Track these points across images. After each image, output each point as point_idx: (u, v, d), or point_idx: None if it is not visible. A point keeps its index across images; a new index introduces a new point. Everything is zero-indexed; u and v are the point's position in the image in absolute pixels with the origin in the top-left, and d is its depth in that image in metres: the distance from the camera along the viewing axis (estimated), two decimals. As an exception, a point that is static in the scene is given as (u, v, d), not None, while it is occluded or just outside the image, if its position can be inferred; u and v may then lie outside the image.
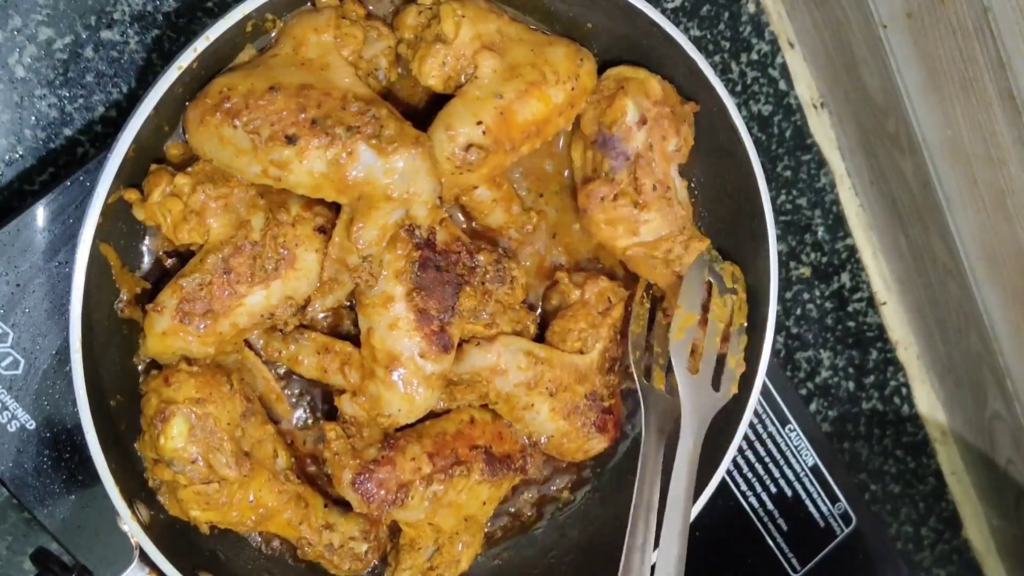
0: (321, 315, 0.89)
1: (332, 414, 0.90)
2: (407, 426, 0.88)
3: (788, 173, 1.21)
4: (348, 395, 0.86)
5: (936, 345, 1.29)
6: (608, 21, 0.91)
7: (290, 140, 0.78)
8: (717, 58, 1.15)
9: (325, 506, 0.89)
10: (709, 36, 1.14)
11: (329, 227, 0.84)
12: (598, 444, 0.95)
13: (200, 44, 0.78)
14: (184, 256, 0.85)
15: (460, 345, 0.88)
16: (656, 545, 0.88)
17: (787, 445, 1.16)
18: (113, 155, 0.77)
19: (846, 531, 1.19)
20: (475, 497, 0.90)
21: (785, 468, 1.16)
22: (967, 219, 1.09)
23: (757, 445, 1.15)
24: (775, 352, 1.19)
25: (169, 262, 0.87)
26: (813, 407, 1.27)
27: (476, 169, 0.85)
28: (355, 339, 0.87)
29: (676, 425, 0.93)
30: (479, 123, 0.84)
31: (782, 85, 1.19)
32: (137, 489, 0.82)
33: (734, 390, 0.95)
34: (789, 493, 1.17)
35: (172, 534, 0.84)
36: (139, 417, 0.82)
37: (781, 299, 1.18)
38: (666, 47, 0.90)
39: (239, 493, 0.82)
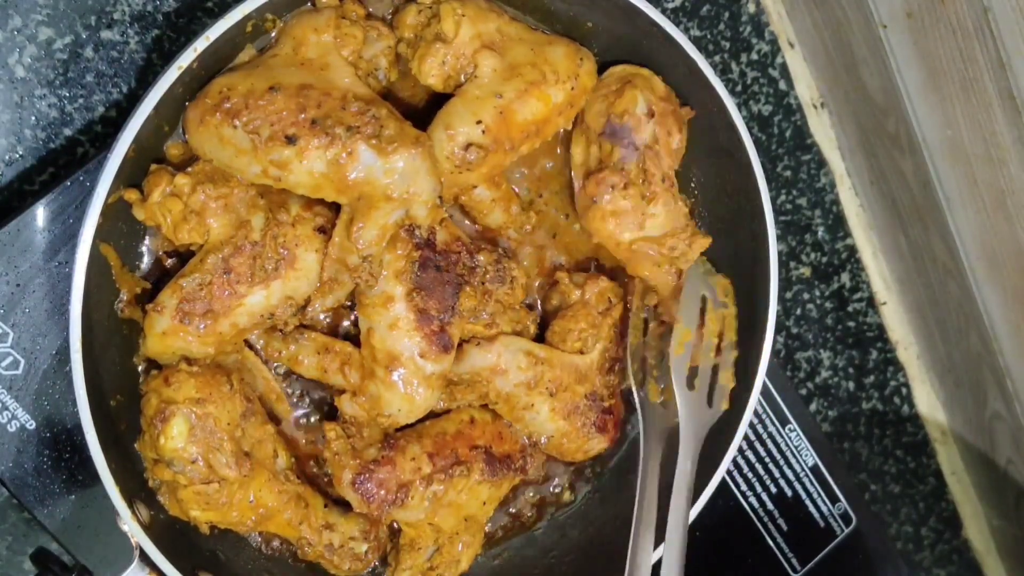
0: (321, 315, 0.89)
1: (332, 414, 0.90)
2: (407, 426, 0.88)
3: (788, 173, 1.21)
4: (348, 395, 0.86)
5: (936, 345, 1.29)
6: (608, 21, 0.91)
7: (290, 140, 0.78)
8: (717, 58, 1.15)
9: (325, 506, 0.89)
10: (709, 36, 1.14)
11: (329, 227, 0.84)
12: (598, 444, 0.95)
13: (200, 44, 0.78)
14: (184, 256, 0.85)
15: (460, 345, 0.88)
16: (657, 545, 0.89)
17: (787, 445, 1.16)
18: (113, 155, 0.77)
19: (846, 531, 1.19)
20: (475, 497, 0.90)
21: (785, 468, 1.16)
22: (967, 219, 1.09)
23: (757, 445, 1.15)
24: (775, 352, 1.19)
25: (169, 262, 0.87)
26: (813, 407, 1.27)
27: (475, 168, 0.85)
28: (355, 339, 0.87)
29: (673, 435, 0.93)
30: (479, 122, 0.84)
31: (782, 85, 1.19)
32: (137, 489, 0.82)
33: (725, 406, 0.95)
34: (789, 493, 1.17)
35: (172, 534, 0.84)
36: (139, 417, 0.82)
37: (781, 299, 1.18)
38: (666, 47, 0.90)
39: (239, 493, 0.82)
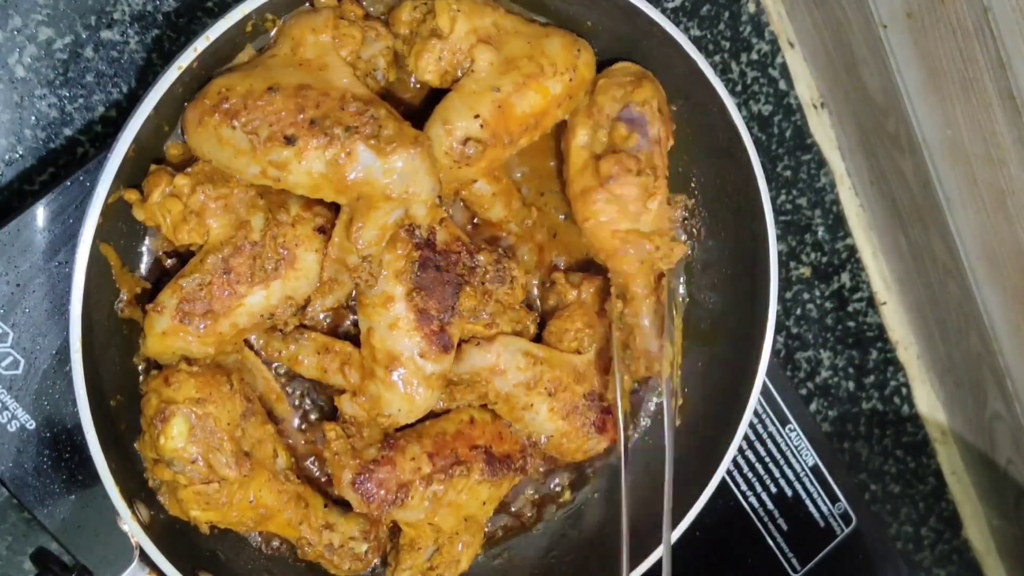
0: (321, 315, 0.89)
1: (332, 414, 0.90)
2: (407, 426, 0.88)
3: (788, 173, 1.21)
4: (348, 395, 0.86)
5: (936, 345, 1.29)
6: (608, 20, 0.91)
7: (289, 140, 0.77)
8: (717, 58, 1.15)
9: (325, 506, 0.89)
10: (709, 36, 1.14)
11: (329, 227, 0.84)
12: (598, 444, 0.95)
13: (200, 44, 0.78)
14: (184, 256, 0.85)
15: (459, 345, 0.88)
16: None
17: (787, 445, 1.16)
18: (113, 155, 0.77)
19: (846, 531, 1.19)
20: (475, 497, 0.90)
21: (785, 468, 1.16)
22: (967, 219, 1.09)
23: (757, 445, 1.15)
24: (775, 352, 1.19)
25: (169, 262, 0.87)
26: (813, 407, 1.27)
27: (474, 163, 0.85)
28: (355, 339, 0.87)
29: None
30: (476, 117, 0.84)
31: (782, 85, 1.19)
32: (137, 489, 0.82)
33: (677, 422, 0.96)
34: (789, 493, 1.17)
35: (172, 534, 0.84)
36: (139, 417, 0.82)
37: (781, 299, 1.18)
38: (666, 47, 0.90)
39: (239, 493, 0.82)
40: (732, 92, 1.15)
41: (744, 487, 1.16)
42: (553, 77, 0.87)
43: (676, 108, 0.94)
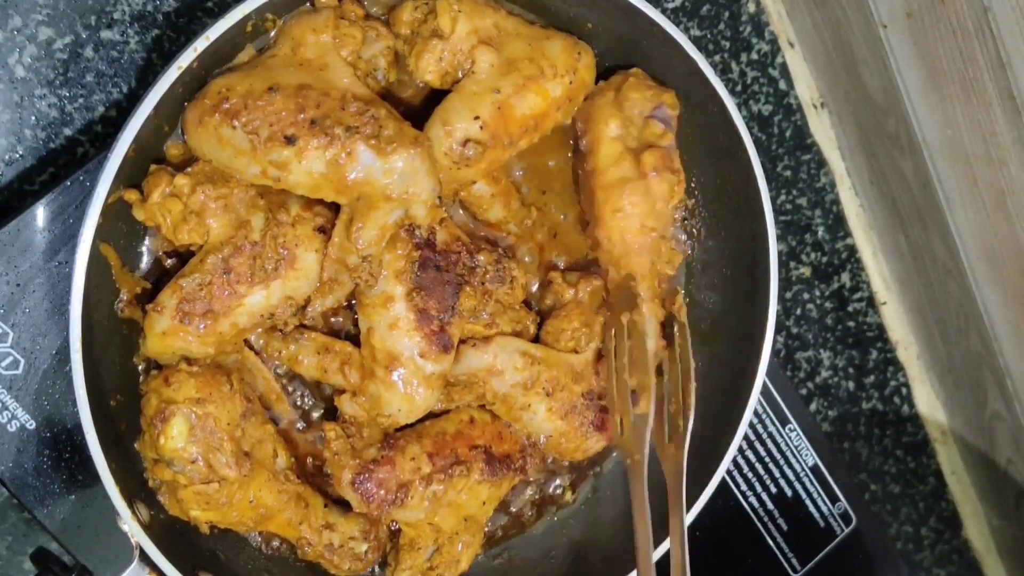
0: (331, 318, 0.90)
1: (332, 414, 0.90)
2: (407, 426, 0.88)
3: (788, 173, 1.21)
4: (348, 395, 0.86)
5: (936, 345, 1.29)
6: (608, 21, 0.91)
7: (289, 140, 0.77)
8: (717, 58, 1.15)
9: (325, 506, 0.89)
10: (709, 36, 1.14)
11: (329, 227, 0.84)
12: (596, 443, 0.95)
13: (200, 44, 0.78)
14: (184, 256, 0.85)
15: (457, 346, 0.88)
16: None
17: (787, 445, 1.16)
18: (113, 155, 0.77)
19: (846, 531, 1.19)
20: (475, 497, 0.90)
21: (785, 468, 1.16)
22: (967, 219, 1.09)
23: (757, 445, 1.15)
24: (775, 352, 1.19)
25: (169, 262, 0.87)
26: (813, 407, 1.27)
27: (474, 164, 0.85)
28: (355, 339, 0.87)
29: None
30: (476, 118, 0.84)
31: (782, 85, 1.19)
32: (137, 489, 0.82)
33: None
34: (789, 493, 1.17)
35: (172, 534, 0.84)
36: (139, 417, 0.82)
37: (781, 299, 1.18)
38: (666, 47, 0.90)
39: (239, 493, 0.82)
40: (732, 92, 1.15)
41: (744, 487, 1.16)
42: (553, 79, 0.87)
43: (675, 91, 0.94)
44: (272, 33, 0.84)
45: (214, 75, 0.82)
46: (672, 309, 0.94)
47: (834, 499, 1.18)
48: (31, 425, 0.85)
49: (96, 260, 0.79)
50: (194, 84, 0.81)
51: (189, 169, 0.81)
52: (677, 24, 0.96)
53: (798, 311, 1.25)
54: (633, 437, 0.91)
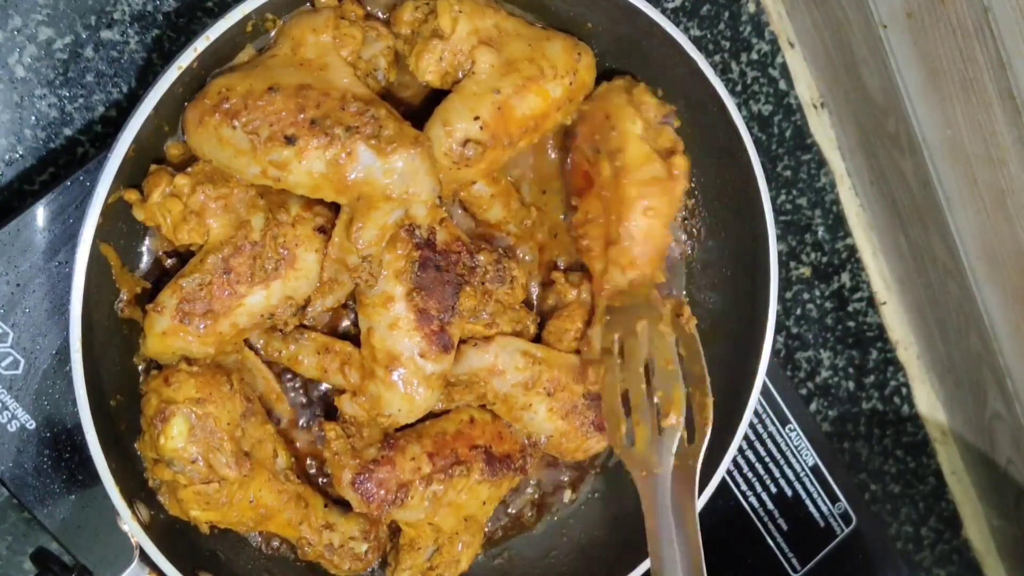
0: (322, 315, 0.90)
1: (332, 414, 0.90)
2: (407, 426, 0.88)
3: (788, 173, 1.21)
4: (348, 395, 0.86)
5: (936, 345, 1.29)
6: (608, 21, 0.91)
7: (289, 140, 0.77)
8: (717, 58, 1.15)
9: (325, 506, 0.89)
10: (709, 36, 1.14)
11: (329, 227, 0.84)
12: (597, 443, 0.95)
13: (200, 44, 0.78)
14: (184, 256, 0.85)
15: (457, 346, 0.88)
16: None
17: (787, 445, 1.16)
18: (113, 155, 0.77)
19: (846, 531, 1.19)
20: (475, 497, 0.90)
21: (785, 468, 1.16)
22: (967, 219, 1.09)
23: (757, 445, 1.15)
24: (775, 352, 1.19)
25: (169, 262, 0.87)
26: (813, 407, 1.27)
27: (474, 164, 0.85)
28: (355, 339, 0.87)
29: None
30: (476, 118, 0.84)
31: (782, 85, 1.19)
32: (137, 489, 0.82)
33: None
34: (789, 493, 1.17)
35: (172, 534, 0.84)
36: (139, 417, 0.82)
37: (781, 299, 1.18)
38: (666, 47, 0.90)
39: (239, 493, 0.82)
40: (732, 92, 1.15)
41: (744, 487, 1.16)
42: (553, 80, 0.87)
43: (676, 108, 0.94)
44: (272, 33, 0.84)
45: (214, 75, 0.82)
46: (680, 321, 0.92)
47: (834, 499, 1.18)
48: (31, 425, 0.85)
49: (96, 260, 0.79)
50: (194, 84, 0.81)
51: (189, 169, 0.81)
52: (677, 24, 0.96)
53: (798, 311, 1.25)
54: (653, 450, 0.88)
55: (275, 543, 0.91)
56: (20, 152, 0.92)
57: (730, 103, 0.91)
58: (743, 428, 0.94)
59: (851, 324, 1.27)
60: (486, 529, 0.96)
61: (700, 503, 0.94)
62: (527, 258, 0.96)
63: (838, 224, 1.25)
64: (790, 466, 1.16)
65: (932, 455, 1.35)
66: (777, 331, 1.16)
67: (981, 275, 1.13)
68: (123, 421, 0.83)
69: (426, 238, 0.83)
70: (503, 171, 0.92)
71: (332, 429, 0.86)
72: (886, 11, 1.03)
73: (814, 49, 1.18)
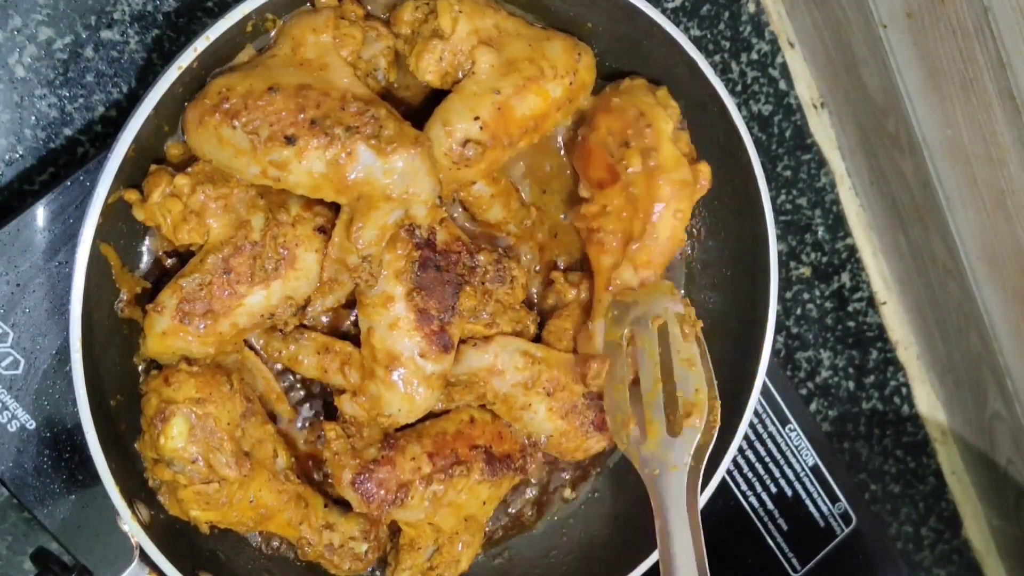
0: (322, 316, 0.90)
1: (332, 414, 0.90)
2: (407, 426, 0.88)
3: (788, 173, 1.21)
4: (348, 395, 0.86)
5: (936, 345, 1.29)
6: (608, 21, 0.91)
7: (289, 140, 0.77)
8: (717, 58, 1.15)
9: (325, 506, 0.89)
10: (709, 36, 1.14)
11: (329, 227, 0.84)
12: (597, 443, 0.95)
13: (200, 44, 0.78)
14: (184, 256, 0.85)
15: (458, 346, 0.88)
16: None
17: (787, 445, 1.16)
18: (113, 155, 0.77)
19: (846, 531, 1.19)
20: (475, 497, 0.90)
21: (785, 468, 1.16)
22: (967, 219, 1.09)
23: (757, 445, 1.15)
24: (775, 352, 1.19)
25: (169, 262, 0.87)
26: (813, 407, 1.27)
27: (474, 164, 0.85)
28: (355, 339, 0.87)
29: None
30: (476, 119, 0.84)
31: (782, 85, 1.19)
32: (137, 489, 0.82)
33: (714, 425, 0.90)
34: (789, 493, 1.17)
35: (172, 534, 0.84)
36: (139, 417, 0.82)
37: (781, 299, 1.18)
38: (666, 47, 0.90)
39: (239, 493, 0.82)
40: (732, 92, 1.15)
41: (744, 487, 1.16)
42: (553, 80, 0.87)
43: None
44: (272, 33, 0.84)
45: (214, 75, 0.82)
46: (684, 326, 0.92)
47: (834, 499, 1.18)
48: (31, 425, 0.85)
49: (96, 260, 0.79)
50: (194, 84, 0.81)
51: (189, 169, 0.81)
52: (677, 24, 0.96)
53: (798, 311, 1.25)
54: (667, 448, 0.87)
55: (275, 543, 0.91)
56: (20, 152, 0.92)
57: (730, 103, 0.91)
58: (743, 428, 0.94)
59: (851, 324, 1.27)
60: (486, 529, 0.96)
61: (700, 503, 0.94)
62: (527, 258, 0.96)
63: (838, 224, 1.25)
64: (790, 466, 1.16)
65: (932, 455, 1.35)
66: (777, 331, 1.16)
67: (981, 275, 1.13)
68: (123, 421, 0.83)
69: (426, 238, 0.83)
70: (503, 171, 0.92)
71: (332, 429, 0.86)
72: (886, 11, 1.03)
73: (814, 49, 1.18)
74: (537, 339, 0.94)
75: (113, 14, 0.93)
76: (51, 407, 0.86)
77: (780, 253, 0.98)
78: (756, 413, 1.14)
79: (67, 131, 0.93)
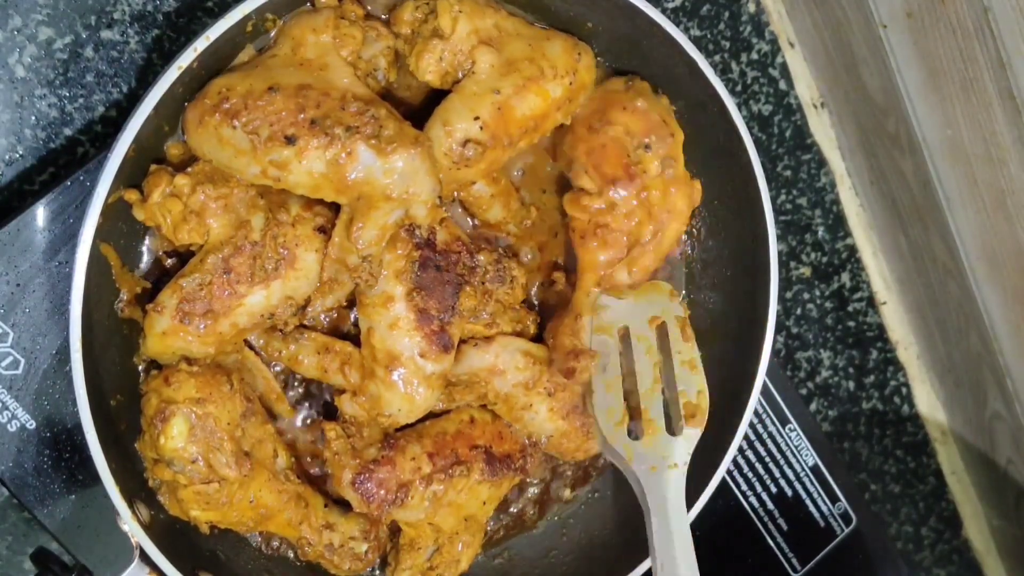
0: (322, 316, 0.89)
1: (332, 414, 0.90)
2: (407, 426, 0.88)
3: (788, 173, 1.21)
4: (348, 395, 0.87)
5: (936, 345, 1.29)
6: (608, 21, 0.91)
7: (289, 140, 0.77)
8: (717, 58, 1.15)
9: (325, 506, 0.89)
10: (709, 36, 1.14)
11: (329, 227, 0.84)
12: (597, 443, 0.95)
13: (200, 44, 0.78)
14: (184, 256, 0.85)
15: (458, 346, 0.88)
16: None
17: (787, 445, 1.16)
18: (113, 155, 0.77)
19: (846, 531, 1.19)
20: (475, 497, 0.90)
21: (785, 468, 1.16)
22: (967, 219, 1.09)
23: (757, 445, 1.15)
24: (775, 352, 1.19)
25: (169, 262, 0.87)
26: (813, 407, 1.27)
27: (474, 165, 0.85)
28: (355, 339, 0.87)
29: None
30: (476, 119, 0.84)
31: (782, 85, 1.19)
32: (137, 489, 0.82)
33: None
34: (789, 493, 1.17)
35: (172, 534, 0.84)
36: (139, 417, 0.82)
37: (781, 299, 1.18)
38: (666, 47, 0.90)
39: (239, 493, 0.82)
40: (732, 92, 1.15)
41: (744, 487, 1.16)
42: (553, 80, 0.87)
43: (676, 108, 0.94)
44: (272, 33, 0.84)
45: (214, 75, 0.82)
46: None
47: (834, 499, 1.18)
48: (31, 425, 0.85)
49: (96, 260, 0.79)
50: (194, 84, 0.81)
51: (189, 169, 0.81)
52: (677, 24, 0.96)
53: (798, 311, 1.25)
54: (665, 446, 0.88)
55: (275, 543, 0.91)
56: (20, 152, 0.92)
57: (730, 103, 0.91)
58: (743, 428, 0.94)
59: (851, 324, 1.27)
60: (486, 529, 0.96)
61: (700, 503, 0.94)
62: (527, 258, 0.96)
63: (838, 224, 1.25)
64: (790, 466, 1.16)
65: (932, 455, 1.35)
66: (777, 331, 1.16)
67: (981, 275, 1.13)
68: (123, 421, 0.83)
69: (426, 238, 0.83)
70: (503, 171, 0.92)
71: (332, 429, 0.86)
72: (886, 11, 1.03)
73: (814, 49, 1.18)
74: (537, 339, 0.94)
75: (113, 14, 0.93)
76: (51, 407, 0.86)
77: (780, 253, 0.98)
78: (756, 413, 1.14)
79: (67, 131, 0.93)
